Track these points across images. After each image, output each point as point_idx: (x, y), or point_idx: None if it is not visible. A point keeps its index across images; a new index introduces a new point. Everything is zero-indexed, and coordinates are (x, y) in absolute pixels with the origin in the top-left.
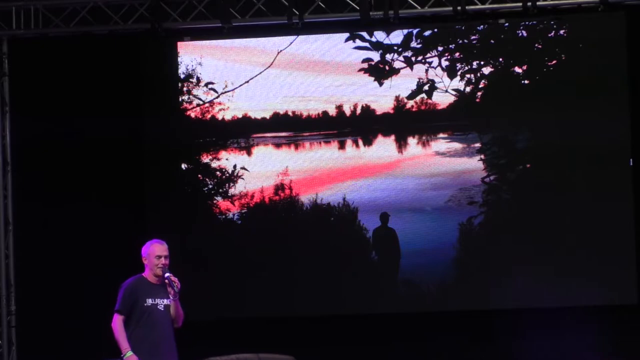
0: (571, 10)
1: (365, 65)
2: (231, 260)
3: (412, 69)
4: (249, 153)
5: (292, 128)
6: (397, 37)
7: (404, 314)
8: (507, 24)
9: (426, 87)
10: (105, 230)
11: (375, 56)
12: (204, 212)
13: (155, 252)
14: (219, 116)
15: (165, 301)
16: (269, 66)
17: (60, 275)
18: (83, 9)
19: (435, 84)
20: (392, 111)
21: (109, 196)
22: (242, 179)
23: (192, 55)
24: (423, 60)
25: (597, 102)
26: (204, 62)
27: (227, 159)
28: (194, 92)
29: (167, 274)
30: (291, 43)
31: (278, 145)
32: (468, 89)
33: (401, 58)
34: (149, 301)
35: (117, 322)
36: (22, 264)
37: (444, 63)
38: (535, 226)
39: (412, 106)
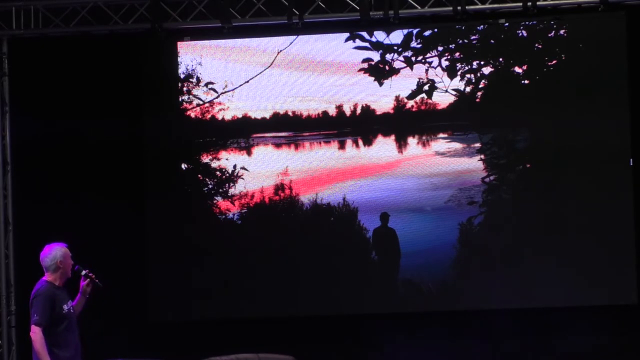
0: (571, 10)
1: (365, 65)
2: (231, 260)
3: (412, 69)
4: (249, 153)
5: (292, 128)
6: (397, 37)
7: (404, 314)
8: (507, 24)
9: (426, 87)
10: (105, 231)
11: (375, 56)
12: (204, 212)
13: (68, 254)
14: (219, 116)
15: (70, 303)
16: (269, 66)
17: None
18: (83, 9)
19: (435, 84)
20: (392, 111)
21: (109, 196)
22: (242, 179)
23: (192, 55)
24: (423, 60)
25: (597, 102)
26: (204, 62)
27: (227, 159)
28: (194, 92)
29: (84, 271)
30: (291, 43)
31: (278, 145)
32: (468, 89)
33: (401, 58)
34: (65, 307)
35: (40, 336)
36: (22, 264)
37: (444, 63)
38: (535, 226)
39: (412, 106)
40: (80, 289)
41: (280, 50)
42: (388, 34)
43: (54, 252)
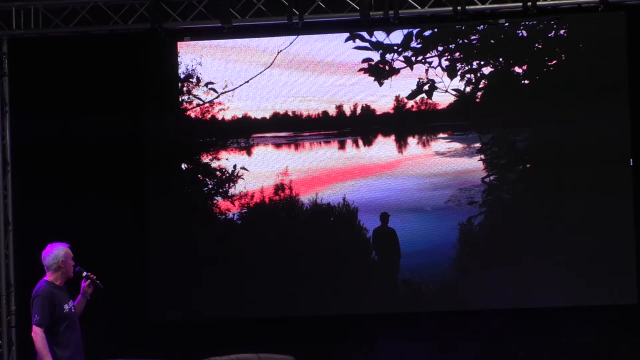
0: (571, 10)
1: (365, 65)
2: (231, 260)
3: (412, 69)
4: (249, 153)
5: (292, 128)
6: (397, 37)
7: (404, 314)
8: (507, 24)
9: (426, 87)
10: (105, 231)
11: (375, 56)
12: (204, 212)
13: (70, 255)
14: (219, 116)
15: (71, 302)
16: (269, 66)
17: None
18: (83, 9)
19: (435, 84)
20: (392, 111)
21: (109, 196)
22: (242, 179)
23: (192, 55)
24: (423, 60)
25: (597, 102)
26: (204, 62)
27: (227, 159)
28: (194, 92)
29: (85, 272)
30: (291, 43)
31: (278, 145)
32: (468, 89)
33: (401, 58)
34: (66, 307)
35: (42, 336)
36: (22, 264)
37: (444, 63)
38: (535, 226)
39: (412, 106)
40: (81, 290)
41: (280, 50)
42: (388, 34)
43: (56, 251)
